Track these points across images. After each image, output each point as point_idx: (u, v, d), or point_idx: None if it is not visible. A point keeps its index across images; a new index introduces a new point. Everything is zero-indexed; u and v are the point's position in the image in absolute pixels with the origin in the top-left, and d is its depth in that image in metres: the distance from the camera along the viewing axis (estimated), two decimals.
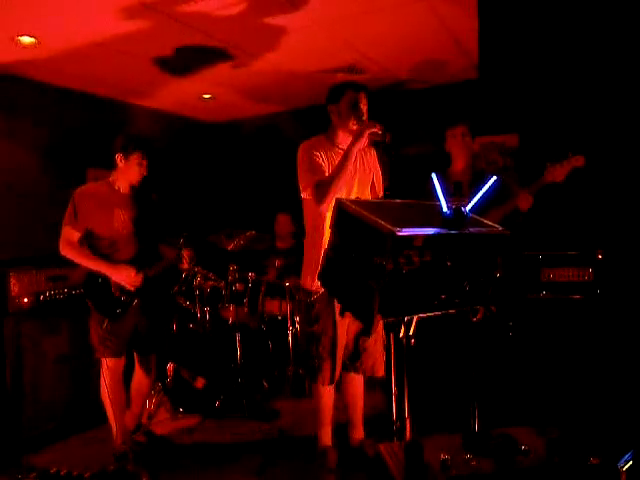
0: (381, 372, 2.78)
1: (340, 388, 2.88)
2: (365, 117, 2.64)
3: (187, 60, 3.88)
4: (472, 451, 1.75)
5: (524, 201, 2.85)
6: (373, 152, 2.83)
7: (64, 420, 3.36)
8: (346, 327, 2.69)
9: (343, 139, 2.71)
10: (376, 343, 2.76)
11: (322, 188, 2.53)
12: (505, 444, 1.77)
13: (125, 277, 2.84)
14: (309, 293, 2.72)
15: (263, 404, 3.71)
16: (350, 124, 2.64)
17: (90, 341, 2.91)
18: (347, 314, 2.46)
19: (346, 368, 2.78)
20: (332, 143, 2.73)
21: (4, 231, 3.99)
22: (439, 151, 3.28)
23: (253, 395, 3.71)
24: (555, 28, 3.36)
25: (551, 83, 4.01)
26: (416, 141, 4.68)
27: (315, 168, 2.61)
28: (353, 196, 2.66)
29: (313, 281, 2.65)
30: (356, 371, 2.80)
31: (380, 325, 2.76)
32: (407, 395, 1.93)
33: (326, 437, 2.80)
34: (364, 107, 2.67)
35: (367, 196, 2.79)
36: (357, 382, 2.86)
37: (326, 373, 2.66)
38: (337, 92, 2.70)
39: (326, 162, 2.65)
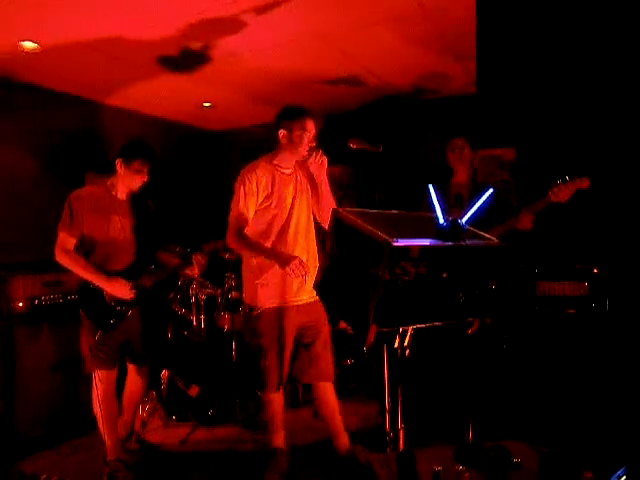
0: (332, 376, 2.83)
1: (314, 403, 2.89)
2: (314, 144, 2.70)
3: (187, 65, 3.90)
4: (465, 463, 1.75)
5: (526, 221, 2.82)
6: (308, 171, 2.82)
7: (55, 427, 3.33)
8: (293, 338, 2.74)
9: (286, 162, 2.76)
10: (325, 348, 2.80)
11: (237, 241, 2.64)
12: (498, 457, 1.77)
13: (120, 292, 2.78)
14: (252, 308, 2.77)
15: (257, 413, 3.69)
16: (300, 150, 2.69)
17: (81, 352, 2.84)
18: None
19: (304, 380, 2.84)
20: (273, 164, 2.76)
21: (1, 235, 3.98)
22: (441, 163, 3.29)
23: (247, 404, 3.69)
24: (553, 44, 3.39)
25: (548, 98, 4.04)
26: (415, 153, 4.70)
27: (246, 204, 2.66)
28: (293, 221, 2.73)
29: (254, 296, 2.73)
30: (314, 380, 2.82)
31: (327, 332, 2.82)
32: (401, 406, 1.93)
33: (279, 441, 2.83)
34: (312, 135, 2.70)
35: (311, 220, 2.84)
36: (327, 391, 2.84)
37: (274, 380, 2.72)
38: (288, 117, 2.72)
39: (262, 186, 2.69)
